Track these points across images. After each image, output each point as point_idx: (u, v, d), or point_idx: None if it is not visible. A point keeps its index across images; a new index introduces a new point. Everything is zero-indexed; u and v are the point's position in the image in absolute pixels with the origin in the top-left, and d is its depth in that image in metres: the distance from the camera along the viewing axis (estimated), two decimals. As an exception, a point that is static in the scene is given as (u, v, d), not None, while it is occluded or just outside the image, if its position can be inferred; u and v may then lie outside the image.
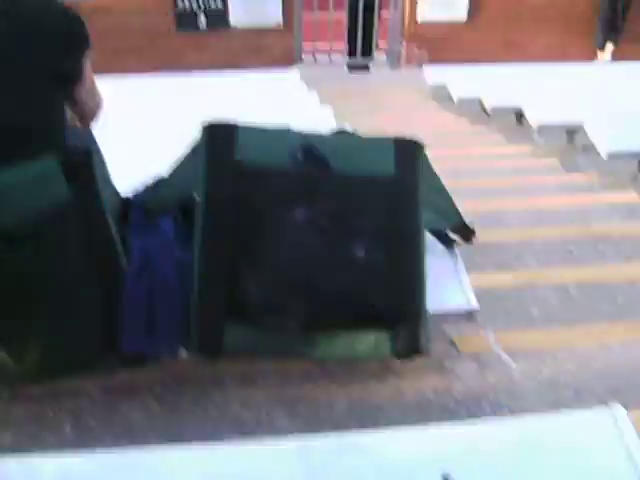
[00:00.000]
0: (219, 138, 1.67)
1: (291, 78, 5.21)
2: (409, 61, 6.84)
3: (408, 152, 1.75)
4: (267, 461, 1.07)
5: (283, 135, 1.72)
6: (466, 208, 2.04)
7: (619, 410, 1.18)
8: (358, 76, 7.06)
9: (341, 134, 1.80)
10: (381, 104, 5.29)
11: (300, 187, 1.66)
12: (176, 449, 1.14)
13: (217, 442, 1.16)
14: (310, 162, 1.67)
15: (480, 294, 1.98)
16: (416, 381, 1.92)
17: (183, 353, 1.75)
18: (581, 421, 1.19)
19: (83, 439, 1.76)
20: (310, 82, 5.05)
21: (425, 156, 1.79)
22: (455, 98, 5.16)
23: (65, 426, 1.81)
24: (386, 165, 1.71)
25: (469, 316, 1.93)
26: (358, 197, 1.69)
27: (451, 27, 6.77)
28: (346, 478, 1.05)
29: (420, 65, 6.28)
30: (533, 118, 4.24)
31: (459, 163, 3.70)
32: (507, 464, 1.09)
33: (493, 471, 1.08)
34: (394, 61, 6.99)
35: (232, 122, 1.68)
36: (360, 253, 1.65)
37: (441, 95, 5.56)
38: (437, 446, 1.12)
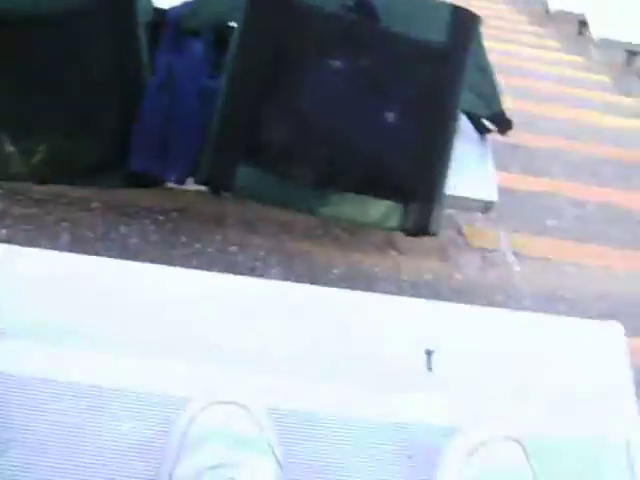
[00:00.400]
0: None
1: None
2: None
3: (464, 22, 1.65)
4: (252, 296, 1.04)
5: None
6: (505, 106, 1.95)
7: (617, 327, 1.15)
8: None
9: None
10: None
11: (344, 35, 1.58)
12: (168, 269, 1.12)
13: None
14: (360, 12, 1.57)
15: (500, 192, 1.93)
16: (416, 261, 1.90)
17: (190, 184, 1.71)
18: (576, 328, 1.17)
19: (77, 250, 1.76)
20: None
21: (480, 32, 1.68)
22: (519, -7, 4.92)
23: (62, 234, 1.80)
24: (438, 31, 1.61)
25: (484, 209, 1.88)
26: (402, 58, 1.60)
27: None
28: (326, 328, 1.03)
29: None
30: (595, 30, 4.03)
31: (507, 60, 3.54)
32: (494, 351, 1.07)
33: (478, 356, 1.06)
34: None
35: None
36: (390, 117, 1.58)
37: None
38: (425, 321, 1.10)
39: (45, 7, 1.36)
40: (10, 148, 1.50)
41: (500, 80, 1.90)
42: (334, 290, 1.10)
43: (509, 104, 2.04)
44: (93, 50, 1.44)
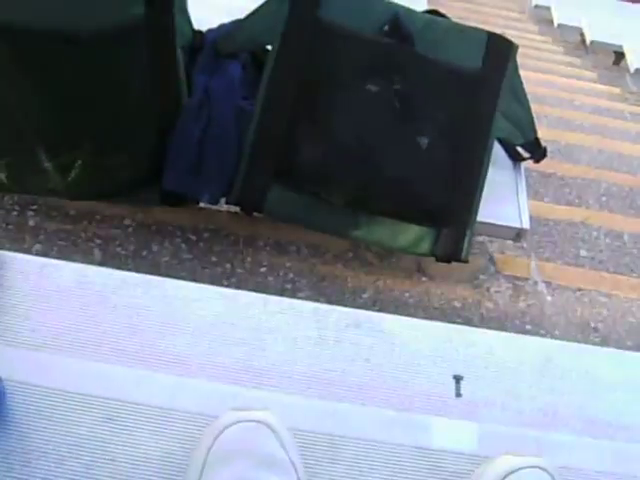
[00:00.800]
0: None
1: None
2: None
3: (500, 49, 1.65)
4: (283, 314, 1.04)
5: (374, 2, 1.62)
6: (539, 135, 1.94)
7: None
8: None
9: (434, 15, 1.69)
10: (477, 12, 5.06)
11: (379, 59, 1.58)
12: (199, 287, 1.13)
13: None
14: (396, 37, 1.58)
15: (532, 222, 1.92)
16: (446, 287, 1.89)
17: (223, 204, 1.73)
18: (608, 358, 1.15)
19: (109, 267, 1.78)
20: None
21: (515, 59, 1.68)
22: (555, 22, 4.91)
23: (94, 250, 1.82)
24: (473, 57, 1.61)
25: (516, 237, 1.86)
26: (436, 84, 1.61)
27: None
28: (356, 350, 1.02)
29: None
30: (632, 60, 4.01)
31: (543, 89, 3.54)
32: (524, 379, 1.05)
33: (508, 383, 1.05)
34: None
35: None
36: (423, 141, 1.58)
37: (541, 17, 5.29)
38: (454, 346, 1.09)
39: (86, 27, 1.38)
40: (47, 164, 1.52)
41: (535, 109, 1.89)
42: (363, 312, 1.10)
43: (544, 133, 2.03)
44: (132, 70, 1.46)
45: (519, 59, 1.74)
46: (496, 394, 1.01)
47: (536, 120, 1.89)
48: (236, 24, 1.68)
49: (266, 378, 0.96)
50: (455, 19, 1.78)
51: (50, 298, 0.99)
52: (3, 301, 0.97)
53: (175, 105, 1.54)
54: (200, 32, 1.63)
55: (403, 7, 1.63)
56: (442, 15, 1.73)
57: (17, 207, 1.86)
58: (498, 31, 1.73)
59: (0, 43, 1.38)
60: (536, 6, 5.41)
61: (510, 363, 1.07)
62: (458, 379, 1.04)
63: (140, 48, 1.45)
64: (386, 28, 1.59)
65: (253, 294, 1.09)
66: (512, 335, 1.17)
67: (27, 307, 0.98)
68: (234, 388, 0.93)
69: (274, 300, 1.07)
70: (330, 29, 1.57)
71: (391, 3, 1.63)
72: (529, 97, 1.81)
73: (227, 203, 1.67)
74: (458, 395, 1.01)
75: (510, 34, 1.75)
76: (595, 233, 2.35)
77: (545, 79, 3.81)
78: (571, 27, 4.85)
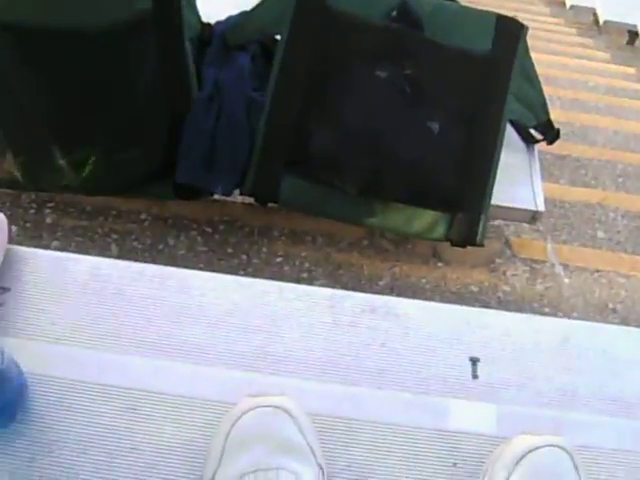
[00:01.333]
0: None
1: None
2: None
3: (509, 31, 1.64)
4: (299, 301, 1.05)
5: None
6: (553, 117, 1.93)
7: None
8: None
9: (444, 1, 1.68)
10: None
11: (387, 44, 1.58)
12: (214, 276, 1.13)
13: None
14: (404, 22, 1.57)
15: (548, 204, 1.91)
16: (463, 272, 1.88)
17: (237, 196, 1.73)
18: (626, 336, 1.14)
19: (124, 258, 1.79)
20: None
21: (525, 40, 1.67)
22: (568, 4, 4.86)
23: (111, 245, 1.84)
24: (483, 40, 1.60)
25: (531, 220, 1.86)
26: (446, 68, 1.60)
27: None
28: (372, 334, 1.03)
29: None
30: (646, 40, 3.96)
31: (555, 71, 3.50)
32: (541, 360, 1.05)
33: (525, 364, 1.04)
34: None
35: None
36: (435, 126, 1.58)
37: (553, -1, 5.25)
38: (470, 328, 1.09)
39: (92, 22, 1.39)
40: (61, 161, 1.54)
41: (548, 91, 1.88)
42: (379, 297, 1.10)
43: (558, 115, 2.02)
44: (141, 64, 1.47)
45: (530, 41, 1.73)
46: (513, 375, 1.02)
47: (549, 102, 1.88)
48: (244, 15, 1.68)
49: (283, 364, 0.97)
50: (464, 3, 1.77)
51: (68, 292, 1.01)
52: (23, 295, 0.99)
53: (186, 98, 1.55)
54: (208, 24, 1.64)
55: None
56: (451, -1, 1.72)
57: (34, 205, 1.88)
58: (508, 14, 1.72)
59: (11, 42, 1.39)
60: (547, -13, 5.36)
61: (527, 344, 1.07)
62: (474, 361, 1.04)
63: (149, 42, 1.46)
64: (394, 13, 1.58)
65: (268, 282, 1.10)
66: (528, 316, 1.16)
67: (46, 301, 0.99)
68: (251, 375, 0.94)
69: (289, 287, 1.08)
70: (338, 16, 1.57)
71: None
72: (541, 79, 1.80)
73: (241, 194, 1.67)
74: (475, 377, 1.01)
75: (521, 17, 1.74)
76: (612, 214, 2.33)
77: (558, 61, 3.77)
78: (583, 8, 4.80)
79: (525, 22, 1.73)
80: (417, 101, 1.59)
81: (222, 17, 1.72)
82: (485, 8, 1.72)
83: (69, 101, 1.48)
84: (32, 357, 0.90)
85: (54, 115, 1.48)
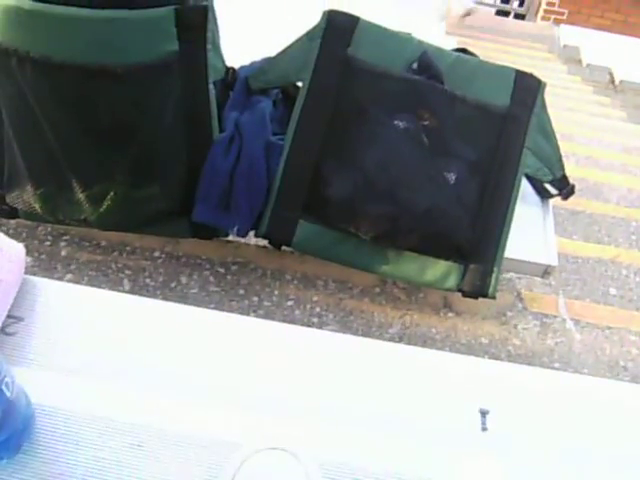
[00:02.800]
0: (337, 28, 1.61)
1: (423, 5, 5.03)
2: (545, 16, 6.51)
3: (528, 86, 1.66)
4: (308, 346, 1.05)
5: (403, 41, 1.65)
6: (568, 173, 1.94)
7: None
8: (488, 19, 6.78)
9: (463, 53, 1.71)
10: (506, 52, 5.09)
11: (407, 95, 1.60)
12: (227, 315, 1.14)
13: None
14: (424, 73, 1.60)
15: (561, 259, 1.91)
16: (473, 323, 1.88)
17: (251, 238, 1.74)
18: (636, 394, 1.13)
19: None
20: (441, 16, 4.88)
21: (543, 96, 1.69)
22: (584, 62, 4.92)
23: (124, 281, 1.85)
24: (502, 94, 1.63)
25: (544, 274, 1.85)
26: (464, 120, 1.62)
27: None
28: (382, 381, 1.02)
29: (555, 22, 6.00)
30: (662, 100, 3.99)
31: (571, 127, 3.54)
32: (550, 414, 1.04)
33: (534, 418, 1.03)
34: (532, 12, 6.67)
35: (354, 15, 1.62)
36: (452, 177, 1.59)
37: (570, 57, 5.30)
38: (481, 380, 1.08)
39: (119, 61, 1.42)
40: (80, 195, 1.55)
41: (564, 147, 1.89)
42: (389, 344, 1.10)
43: (573, 171, 2.03)
44: (165, 104, 1.49)
45: (548, 97, 1.75)
46: (523, 429, 1.00)
47: (565, 158, 1.89)
48: (268, 61, 1.71)
49: (291, 408, 0.96)
50: (484, 58, 1.80)
51: (80, 324, 1.01)
52: (35, 326, 0.99)
53: (207, 139, 1.57)
54: (232, 69, 1.67)
55: (432, 45, 1.66)
56: (471, 53, 1.75)
57: (50, 237, 1.90)
58: (527, 70, 1.74)
59: (39, 76, 1.42)
60: (565, 46, 5.43)
61: (537, 398, 1.06)
62: (484, 413, 1.03)
63: (174, 83, 1.49)
64: (415, 65, 1.61)
65: (280, 324, 1.10)
66: (539, 369, 1.15)
67: (58, 332, 0.99)
68: (259, 417, 0.93)
69: (300, 330, 1.08)
70: (360, 67, 1.60)
71: (420, 41, 1.65)
72: (558, 135, 1.82)
73: (256, 236, 1.68)
74: (484, 429, 1.00)
75: (539, 73, 1.76)
76: (625, 271, 2.33)
77: (574, 118, 3.81)
78: (600, 67, 4.86)
79: (542, 78, 1.75)
80: (434, 152, 1.60)
81: (246, 62, 1.75)
82: (503, 63, 1.75)
83: (91, 136, 1.50)
84: (41, 388, 0.90)
85: (76, 149, 1.50)
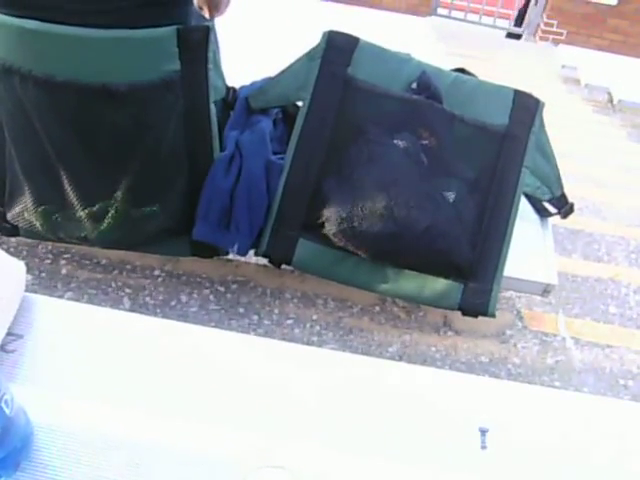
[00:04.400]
0: (338, 48, 1.62)
1: (422, 26, 5.08)
2: (544, 36, 6.55)
3: (526, 106, 1.67)
4: (308, 365, 1.05)
5: (402, 61, 1.67)
6: (567, 191, 1.95)
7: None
8: (488, 41, 6.83)
9: (461, 73, 1.73)
10: (506, 72, 5.13)
11: (407, 115, 1.61)
12: (228, 334, 1.14)
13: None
14: (423, 93, 1.61)
15: (561, 277, 1.91)
16: (473, 342, 1.88)
17: (251, 256, 1.75)
18: (637, 412, 1.13)
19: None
20: (441, 36, 4.92)
21: (542, 115, 1.70)
22: (583, 82, 4.96)
23: (124, 299, 1.85)
24: (501, 114, 1.64)
25: (543, 292, 1.85)
26: (463, 140, 1.63)
27: (597, 8, 6.40)
28: (380, 400, 1.02)
29: (554, 43, 6.04)
30: (660, 119, 4.02)
31: (570, 146, 3.55)
32: (550, 432, 1.04)
33: (534, 436, 1.03)
34: (530, 33, 6.71)
35: (354, 35, 1.63)
36: (451, 196, 1.60)
37: (569, 77, 5.34)
38: (480, 398, 1.08)
39: (121, 80, 1.43)
40: (81, 213, 1.56)
41: (563, 166, 1.90)
42: (389, 362, 1.10)
43: (572, 190, 2.03)
44: (166, 123, 1.50)
45: (547, 116, 1.76)
46: (522, 447, 1.00)
47: (564, 177, 1.90)
48: (268, 81, 1.73)
49: (291, 425, 0.96)
50: (481, 78, 1.81)
51: (80, 342, 1.01)
52: (35, 343, 1.00)
53: (207, 158, 1.58)
54: (233, 88, 1.68)
55: (431, 65, 1.67)
56: (469, 73, 1.76)
57: (50, 255, 1.91)
58: (525, 89, 1.76)
59: (41, 94, 1.43)
60: (563, 66, 5.47)
61: (537, 417, 1.06)
62: (484, 432, 1.03)
63: (175, 102, 1.50)
64: (414, 85, 1.63)
65: (281, 342, 1.10)
66: (539, 388, 1.15)
67: (57, 350, 1.00)
68: (261, 436, 0.93)
69: (302, 349, 1.08)
70: (359, 86, 1.62)
71: (420, 61, 1.67)
72: (557, 154, 1.83)
73: (256, 255, 1.69)
74: (483, 448, 1.00)
75: (537, 93, 1.78)
76: (624, 290, 2.33)
77: (573, 136, 3.83)
78: (598, 87, 4.89)
79: (541, 98, 1.77)
80: (434, 171, 1.61)
81: (246, 81, 1.76)
82: (502, 83, 1.76)
83: (93, 154, 1.51)
84: (40, 406, 0.90)
85: (77, 167, 1.51)
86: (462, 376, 1.15)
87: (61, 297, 1.78)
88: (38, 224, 1.61)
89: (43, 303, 1.07)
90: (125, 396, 0.95)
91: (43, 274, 1.86)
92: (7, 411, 0.80)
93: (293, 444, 0.93)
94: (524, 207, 1.83)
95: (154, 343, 1.05)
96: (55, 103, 1.45)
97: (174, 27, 1.41)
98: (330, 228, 1.61)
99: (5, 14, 1.37)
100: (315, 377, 1.04)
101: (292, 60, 1.69)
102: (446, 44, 4.58)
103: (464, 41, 5.85)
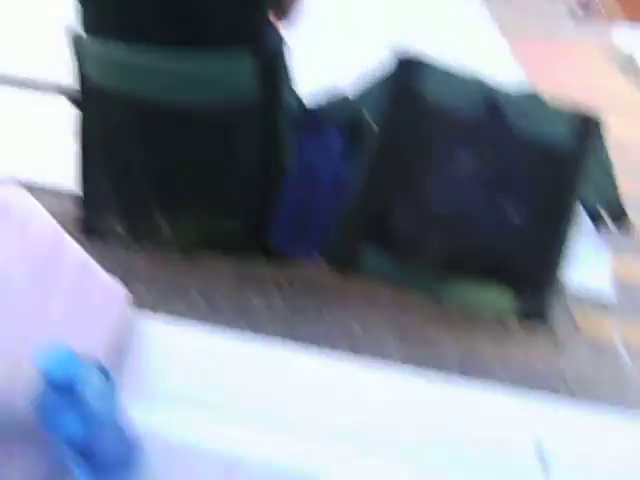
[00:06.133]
0: (408, 73, 1.69)
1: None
2: (600, 16, 6.32)
3: (588, 127, 1.71)
4: (367, 379, 1.12)
5: (469, 83, 1.72)
6: (626, 187, 1.96)
7: None
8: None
9: (526, 95, 1.78)
10: (560, 55, 5.01)
11: (475, 136, 1.68)
12: (298, 350, 1.19)
13: (330, 351, 1.21)
14: (489, 112, 1.67)
15: (618, 283, 1.93)
16: (529, 348, 1.92)
17: (319, 261, 1.83)
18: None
19: (208, 316, 1.89)
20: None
21: (603, 135, 1.75)
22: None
23: (195, 298, 1.96)
24: (563, 136, 1.69)
25: (600, 302, 1.89)
26: (527, 160, 1.69)
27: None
28: (437, 415, 1.08)
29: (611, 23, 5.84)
30: None
31: (629, 137, 3.46)
32: (608, 453, 1.06)
33: (590, 455, 1.05)
34: (588, 13, 6.43)
35: (422, 58, 1.70)
36: (511, 211, 1.66)
37: (625, 62, 5.17)
38: (536, 414, 1.11)
39: (202, 103, 1.54)
40: (161, 220, 1.68)
41: (620, 157, 1.90)
42: (447, 376, 1.15)
43: (629, 185, 2.01)
44: (243, 142, 1.60)
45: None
46: (578, 464, 1.03)
47: (619, 169, 1.90)
48: (340, 98, 1.80)
49: (363, 441, 1.02)
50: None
51: (181, 358, 1.10)
52: (136, 360, 1.09)
53: (281, 172, 1.67)
54: (304, 103, 1.77)
55: (498, 88, 1.72)
56: (534, 93, 1.81)
57: (124, 253, 2.00)
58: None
59: (131, 112, 1.54)
60: (618, 49, 5.25)
61: (593, 435, 1.08)
62: (540, 447, 1.07)
63: (251, 122, 1.59)
64: (480, 104, 1.68)
65: (351, 356, 1.16)
66: (599, 407, 1.17)
67: (155, 365, 1.08)
68: (335, 451, 0.99)
69: (367, 362, 1.14)
70: (427, 105, 1.68)
71: (487, 84, 1.72)
72: (614, 143, 1.83)
73: (324, 262, 1.79)
74: (539, 465, 1.04)
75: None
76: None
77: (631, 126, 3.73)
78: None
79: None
80: (495, 186, 1.67)
81: (316, 90, 1.84)
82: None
83: (174, 172, 1.62)
84: (145, 419, 0.97)
85: (162, 184, 1.62)
86: (517, 390, 1.18)
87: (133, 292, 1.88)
88: (121, 230, 1.73)
89: (146, 320, 1.16)
90: (219, 410, 1.03)
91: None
92: (127, 431, 0.89)
93: (364, 458, 0.99)
94: (582, 219, 1.87)
95: (237, 356, 1.13)
96: (141, 123, 1.56)
97: (251, 57, 1.50)
98: (395, 239, 1.70)
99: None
100: (380, 390, 1.10)
101: (357, 69, 1.78)
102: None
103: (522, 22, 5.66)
